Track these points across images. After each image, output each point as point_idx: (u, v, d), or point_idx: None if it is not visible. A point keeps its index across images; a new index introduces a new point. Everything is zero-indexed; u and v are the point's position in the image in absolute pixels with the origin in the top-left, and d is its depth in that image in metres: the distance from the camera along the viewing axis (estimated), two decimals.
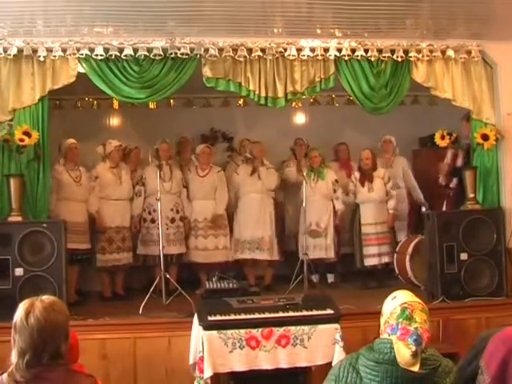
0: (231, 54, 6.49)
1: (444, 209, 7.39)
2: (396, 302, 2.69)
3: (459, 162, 7.30)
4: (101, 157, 7.55)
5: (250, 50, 6.54)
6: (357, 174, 7.92)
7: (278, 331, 4.92)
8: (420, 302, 2.70)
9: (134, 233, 7.61)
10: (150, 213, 7.50)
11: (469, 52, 6.87)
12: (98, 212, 7.28)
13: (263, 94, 6.66)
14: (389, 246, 7.77)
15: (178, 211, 7.57)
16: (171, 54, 6.41)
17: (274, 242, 7.76)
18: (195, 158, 7.92)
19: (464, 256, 6.47)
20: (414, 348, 2.55)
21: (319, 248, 7.85)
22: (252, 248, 7.64)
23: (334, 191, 7.98)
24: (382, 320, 2.72)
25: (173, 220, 7.49)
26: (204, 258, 7.60)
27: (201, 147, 7.90)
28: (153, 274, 7.27)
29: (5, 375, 2.42)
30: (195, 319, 5.12)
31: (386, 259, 7.72)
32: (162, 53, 6.39)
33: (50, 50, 6.27)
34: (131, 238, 7.57)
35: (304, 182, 7.55)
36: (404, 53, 6.75)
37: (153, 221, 7.44)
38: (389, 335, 2.63)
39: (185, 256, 7.64)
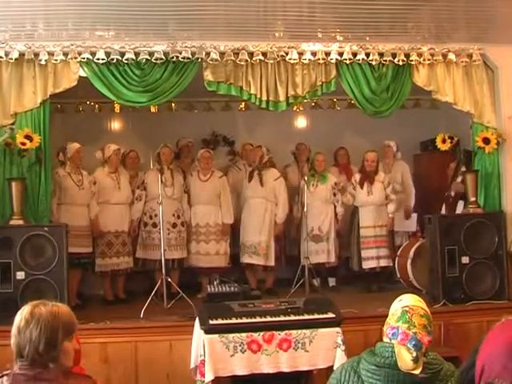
0: (232, 57, 6.50)
1: (443, 212, 7.41)
2: (399, 304, 2.70)
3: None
4: (99, 162, 7.54)
5: (251, 54, 6.55)
6: (357, 176, 7.92)
7: (280, 335, 4.91)
8: (423, 307, 2.69)
9: (133, 237, 7.60)
10: (151, 217, 7.49)
11: (470, 56, 6.87)
12: (96, 217, 7.26)
13: (264, 98, 6.66)
14: (387, 250, 7.78)
15: (179, 216, 7.56)
16: (172, 57, 6.42)
17: (271, 247, 7.76)
18: (197, 162, 7.93)
19: (465, 259, 6.47)
20: (414, 353, 2.55)
21: (321, 252, 7.86)
22: (250, 252, 7.66)
23: (334, 195, 7.99)
24: (386, 320, 2.73)
25: (174, 225, 7.48)
26: (206, 263, 7.59)
27: (201, 151, 7.91)
28: (154, 278, 7.27)
29: (5, 377, 2.44)
30: (196, 323, 5.11)
31: (384, 262, 7.72)
32: (163, 57, 6.40)
33: (51, 54, 6.28)
34: (131, 243, 7.57)
35: (305, 187, 7.58)
36: (405, 56, 6.76)
37: (154, 225, 7.43)
38: (390, 340, 2.63)
39: (186, 261, 7.63)
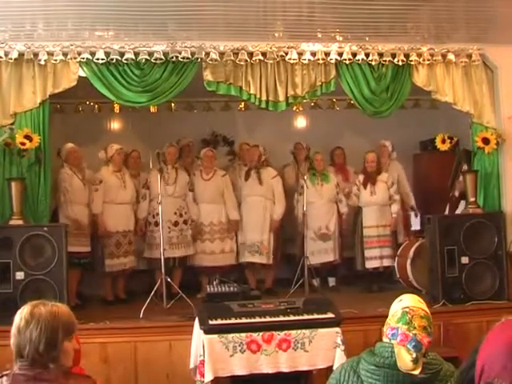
0: (232, 57, 6.50)
1: (447, 213, 7.41)
2: (400, 304, 2.70)
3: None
4: (103, 161, 7.55)
5: (250, 54, 6.55)
6: (360, 177, 7.92)
7: (279, 335, 4.91)
8: (424, 308, 2.68)
9: (140, 236, 7.62)
10: (153, 216, 7.47)
11: (469, 56, 6.88)
12: (101, 216, 7.26)
13: (264, 98, 6.66)
14: (390, 249, 7.77)
15: (181, 214, 7.56)
16: (172, 57, 6.42)
17: (270, 246, 7.78)
18: (200, 161, 7.94)
19: (465, 260, 6.47)
20: (414, 354, 2.55)
21: (330, 251, 7.87)
22: (252, 251, 7.66)
23: (337, 193, 8.01)
24: (386, 321, 2.72)
25: (176, 223, 7.48)
26: (211, 262, 7.60)
27: (204, 151, 7.95)
28: (155, 278, 7.27)
29: (4, 378, 2.44)
30: (196, 323, 5.11)
31: (387, 262, 7.71)
32: (162, 57, 6.40)
33: (51, 54, 6.28)
34: (135, 242, 7.58)
35: (305, 186, 7.58)
36: (405, 57, 6.76)
37: (156, 224, 7.41)
38: (390, 340, 2.63)
39: (190, 259, 7.63)
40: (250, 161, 7.92)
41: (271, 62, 6.62)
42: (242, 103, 9.11)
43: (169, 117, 9.09)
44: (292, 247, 8.36)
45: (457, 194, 7.46)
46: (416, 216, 8.24)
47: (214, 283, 5.77)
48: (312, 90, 6.81)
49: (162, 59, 6.41)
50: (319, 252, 7.77)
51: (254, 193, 7.76)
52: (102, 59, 6.33)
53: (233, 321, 4.96)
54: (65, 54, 6.29)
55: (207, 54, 6.47)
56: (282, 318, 5.02)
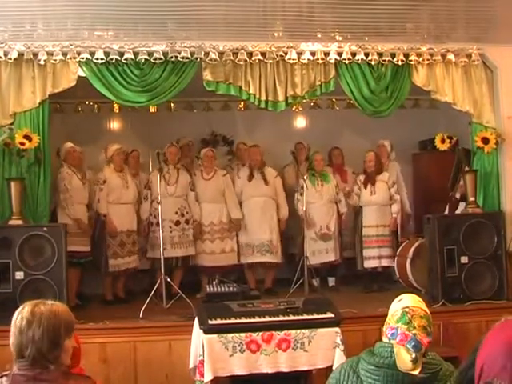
0: (231, 57, 6.50)
1: (446, 212, 7.41)
2: (399, 304, 2.69)
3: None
4: (103, 161, 7.55)
5: (250, 54, 6.55)
6: (361, 177, 7.92)
7: (279, 335, 4.91)
8: (423, 308, 2.68)
9: (144, 236, 7.63)
10: (155, 216, 7.43)
11: (469, 56, 6.88)
12: (108, 216, 7.26)
13: (263, 98, 6.67)
14: (390, 250, 7.75)
15: (182, 214, 7.55)
16: (171, 57, 6.43)
17: (278, 245, 7.80)
18: (200, 161, 7.94)
19: (464, 259, 6.47)
20: (414, 354, 2.55)
21: (330, 250, 7.87)
22: (262, 251, 7.65)
23: (337, 193, 8.01)
24: (386, 320, 2.72)
25: (177, 223, 7.47)
26: (211, 262, 7.59)
27: (204, 151, 7.94)
28: (155, 278, 7.27)
29: (4, 378, 2.43)
30: (196, 323, 5.11)
31: (386, 262, 7.70)
32: (162, 56, 6.40)
33: (50, 54, 6.28)
34: (139, 242, 7.59)
35: (305, 186, 7.58)
36: (404, 56, 6.76)
37: (158, 224, 7.40)
38: (389, 340, 2.63)
39: (192, 259, 7.63)
40: (251, 160, 7.90)
41: (271, 61, 6.62)
42: (242, 103, 9.11)
43: (168, 117, 9.09)
44: (292, 247, 8.37)
45: (458, 196, 7.45)
46: (408, 222, 8.26)
47: (214, 283, 5.76)
48: (311, 90, 6.81)
49: (161, 59, 6.41)
50: (320, 252, 7.78)
51: (260, 193, 7.75)
52: (102, 59, 6.33)
53: (232, 321, 4.96)
54: (64, 54, 6.29)
55: (207, 53, 6.47)
56: (281, 318, 5.02)
